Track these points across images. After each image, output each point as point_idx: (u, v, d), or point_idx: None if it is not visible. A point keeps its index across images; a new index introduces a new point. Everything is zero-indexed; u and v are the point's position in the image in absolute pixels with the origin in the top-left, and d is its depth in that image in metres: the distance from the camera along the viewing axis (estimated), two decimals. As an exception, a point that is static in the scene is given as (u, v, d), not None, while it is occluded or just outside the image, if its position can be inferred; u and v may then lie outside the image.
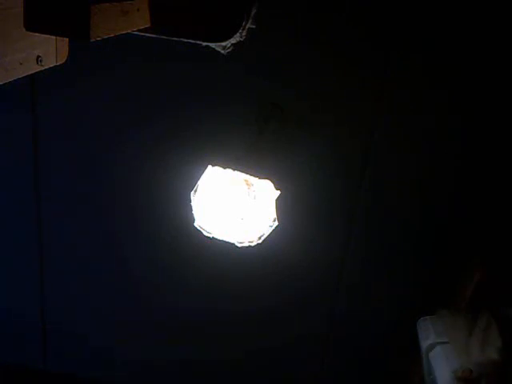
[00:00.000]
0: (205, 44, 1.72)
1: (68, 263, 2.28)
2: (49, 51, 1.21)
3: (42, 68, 1.19)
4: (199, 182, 1.69)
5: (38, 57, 1.16)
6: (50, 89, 1.94)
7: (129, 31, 1.24)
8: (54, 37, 1.19)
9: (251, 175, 1.65)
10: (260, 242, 1.72)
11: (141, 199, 2.08)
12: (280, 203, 1.70)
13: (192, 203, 1.70)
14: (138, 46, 1.74)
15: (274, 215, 1.70)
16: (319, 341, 2.22)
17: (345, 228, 1.98)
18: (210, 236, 1.74)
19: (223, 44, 1.72)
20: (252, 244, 1.73)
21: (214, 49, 1.73)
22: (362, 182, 1.89)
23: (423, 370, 1.78)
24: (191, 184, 1.70)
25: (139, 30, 1.39)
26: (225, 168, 1.65)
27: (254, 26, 1.69)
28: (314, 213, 1.97)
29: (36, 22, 1.00)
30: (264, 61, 1.76)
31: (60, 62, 1.26)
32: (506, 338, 1.66)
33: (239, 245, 1.74)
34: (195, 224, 1.72)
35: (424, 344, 1.75)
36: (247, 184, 1.74)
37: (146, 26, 1.38)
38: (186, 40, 1.69)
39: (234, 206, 1.75)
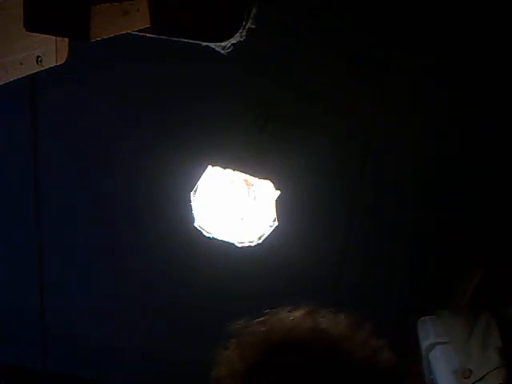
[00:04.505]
0: (205, 44, 1.72)
1: (68, 263, 2.28)
2: (49, 51, 1.20)
3: (42, 68, 1.19)
4: (199, 182, 1.70)
5: (38, 57, 1.16)
6: (49, 89, 1.93)
7: (129, 31, 1.24)
8: (53, 37, 1.19)
9: (251, 175, 1.65)
10: (260, 241, 1.73)
11: (141, 199, 2.08)
12: (280, 203, 1.70)
13: (192, 203, 1.71)
14: (138, 46, 1.74)
15: (274, 215, 1.70)
16: (319, 341, 2.22)
17: (345, 228, 1.98)
18: (210, 236, 1.74)
19: (223, 44, 1.72)
20: (252, 244, 1.73)
21: (213, 49, 1.73)
22: (361, 182, 1.89)
23: (423, 370, 1.77)
24: (191, 184, 1.71)
25: (139, 30, 1.38)
26: (225, 168, 1.66)
27: (253, 26, 1.69)
28: (314, 213, 1.97)
29: (36, 22, 1.00)
30: (264, 61, 1.76)
31: (60, 62, 1.26)
32: (506, 338, 1.66)
33: (239, 245, 1.74)
34: (195, 224, 1.72)
35: (424, 344, 1.74)
36: (247, 184, 1.74)
37: (146, 26, 1.39)
38: (185, 40, 1.69)
39: (234, 206, 1.76)
